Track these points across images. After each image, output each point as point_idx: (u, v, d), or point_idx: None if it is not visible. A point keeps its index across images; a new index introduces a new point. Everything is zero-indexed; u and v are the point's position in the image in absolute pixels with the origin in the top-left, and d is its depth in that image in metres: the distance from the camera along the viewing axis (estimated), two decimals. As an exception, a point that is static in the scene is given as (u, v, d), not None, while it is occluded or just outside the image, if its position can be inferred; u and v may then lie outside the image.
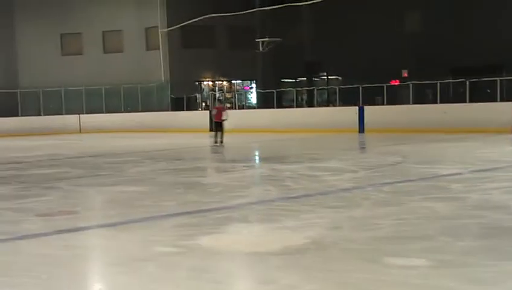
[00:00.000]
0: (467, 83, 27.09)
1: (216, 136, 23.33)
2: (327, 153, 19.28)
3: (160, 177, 14.43)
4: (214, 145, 23.08)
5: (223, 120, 23.44)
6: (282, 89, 37.34)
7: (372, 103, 29.77)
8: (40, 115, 38.98)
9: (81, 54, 41.39)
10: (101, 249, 7.71)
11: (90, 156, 21.33)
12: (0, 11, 40.65)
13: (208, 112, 34.71)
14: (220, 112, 23.51)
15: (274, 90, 34.57)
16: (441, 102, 27.79)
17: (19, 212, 10.11)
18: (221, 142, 23.22)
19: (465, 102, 26.90)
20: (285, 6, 33.49)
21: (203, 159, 19.99)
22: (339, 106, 31.69)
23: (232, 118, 33.34)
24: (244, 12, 34.84)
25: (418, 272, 5.94)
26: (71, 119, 38.56)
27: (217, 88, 40.82)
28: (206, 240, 7.52)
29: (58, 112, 39.01)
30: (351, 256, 6.59)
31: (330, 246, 7.01)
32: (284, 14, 36.09)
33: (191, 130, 32.90)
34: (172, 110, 37.55)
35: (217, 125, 23.33)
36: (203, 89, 40.73)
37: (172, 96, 38.10)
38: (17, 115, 38.71)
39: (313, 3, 33.84)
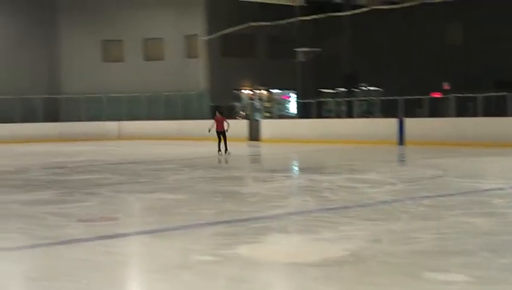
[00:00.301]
0: (510, 96, 26.71)
1: (220, 145, 24.06)
2: (366, 165, 19.17)
3: (199, 186, 14.50)
4: (219, 154, 23.81)
5: (225, 130, 24.18)
6: (322, 99, 37.27)
7: (413, 115, 29.51)
8: (80, 120, 39.42)
9: (122, 61, 41.81)
10: (140, 256, 7.78)
11: (129, 163, 21.54)
12: (44, 19, 41.30)
13: (247, 121, 34.85)
14: (220, 122, 24.37)
15: (313, 101, 34.51)
16: (482, 115, 27.44)
17: (61, 217, 10.25)
18: (226, 150, 23.97)
19: (507, 116, 26.53)
20: (326, 16, 33.45)
21: (241, 168, 20.04)
22: (379, 117, 31.49)
23: (270, 127, 33.48)
24: (284, 21, 34.89)
25: (458, 287, 5.88)
26: (111, 126, 38.97)
27: (256, 97, 40.90)
28: (244, 250, 7.53)
29: (99, 118, 39.44)
30: (390, 270, 6.55)
31: (369, 259, 6.97)
32: (324, 24, 36.05)
33: (229, 139, 32.90)
34: (211, 118, 37.61)
35: (219, 135, 24.19)
36: (242, 98, 40.82)
37: (212, 104, 38.26)
38: (58, 121, 39.22)
39: (353, 13, 33.75)
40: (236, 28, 35.88)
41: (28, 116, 37.62)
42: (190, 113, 38.38)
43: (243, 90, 41.02)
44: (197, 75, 39.72)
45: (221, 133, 24.17)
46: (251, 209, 10.75)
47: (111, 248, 8.01)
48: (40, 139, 36.08)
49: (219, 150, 23.96)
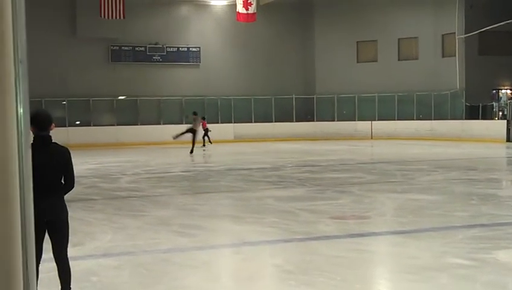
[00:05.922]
0: None
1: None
2: None
3: (453, 187, 14.04)
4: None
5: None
6: None
7: None
8: (333, 120, 40.10)
9: (375, 61, 41.79)
10: (392, 256, 7.69)
11: (381, 162, 21.46)
12: (302, 20, 42.53)
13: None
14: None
15: None
16: None
17: (313, 214, 10.46)
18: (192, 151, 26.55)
19: None
20: None
21: (498, 171, 19.07)
22: None
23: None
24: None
25: None
26: (363, 126, 39.17)
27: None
28: (503, 255, 7.14)
29: (351, 118, 39.83)
30: None
31: None
32: None
33: (486, 140, 31.66)
34: (466, 118, 36.40)
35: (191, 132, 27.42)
36: (501, 98, 38.92)
37: (467, 104, 36.95)
38: (312, 120, 40.26)
39: None
40: (497, 24, 34.24)
41: (284, 115, 39.16)
42: (443, 114, 37.41)
43: (501, 90, 39.11)
44: (451, 74, 38.53)
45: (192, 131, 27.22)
46: (510, 214, 10.17)
47: (363, 246, 8.00)
48: (295, 137, 37.41)
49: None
